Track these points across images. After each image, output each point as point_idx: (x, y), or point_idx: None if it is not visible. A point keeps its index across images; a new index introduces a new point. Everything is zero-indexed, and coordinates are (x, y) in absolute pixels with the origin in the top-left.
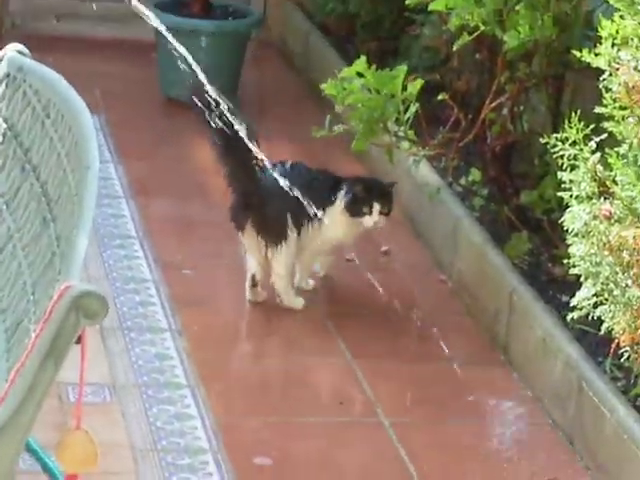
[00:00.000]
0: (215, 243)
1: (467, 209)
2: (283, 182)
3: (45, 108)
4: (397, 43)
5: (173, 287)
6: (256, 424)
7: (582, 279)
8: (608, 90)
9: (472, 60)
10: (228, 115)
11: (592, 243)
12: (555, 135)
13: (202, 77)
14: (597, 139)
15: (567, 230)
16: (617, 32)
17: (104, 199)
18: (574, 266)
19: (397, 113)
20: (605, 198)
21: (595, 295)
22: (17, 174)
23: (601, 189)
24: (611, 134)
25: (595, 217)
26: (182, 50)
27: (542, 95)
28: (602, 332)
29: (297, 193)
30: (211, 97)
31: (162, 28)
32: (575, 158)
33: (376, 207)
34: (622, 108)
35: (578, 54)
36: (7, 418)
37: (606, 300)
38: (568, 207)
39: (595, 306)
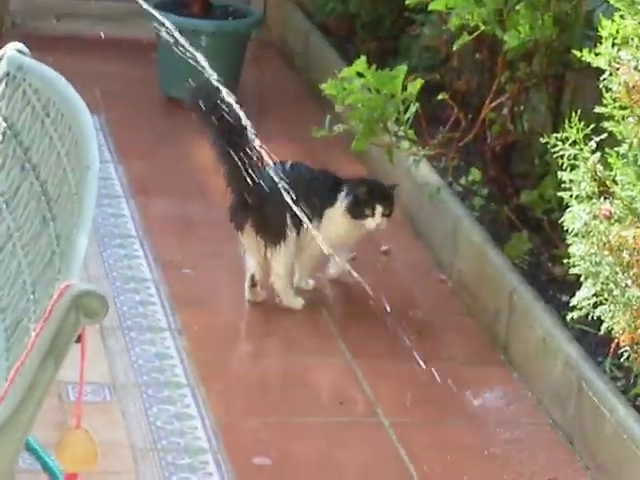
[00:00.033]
0: (215, 243)
1: (467, 209)
2: (282, 183)
3: (45, 107)
4: (397, 43)
5: (173, 286)
6: (256, 424)
7: (582, 279)
8: (608, 90)
9: (472, 60)
10: (228, 115)
11: (592, 243)
12: (555, 135)
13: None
14: (597, 139)
15: (567, 230)
16: (617, 32)
17: (104, 199)
18: (574, 266)
19: (397, 113)
20: (605, 198)
21: (595, 295)
22: (17, 173)
23: (601, 189)
24: (611, 134)
25: (595, 217)
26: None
27: (542, 95)
28: (602, 332)
29: (294, 194)
30: (212, 97)
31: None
32: (575, 158)
33: (378, 209)
34: (622, 108)
35: (578, 54)
36: (7, 417)
37: (606, 300)
38: (568, 207)
39: (595, 306)
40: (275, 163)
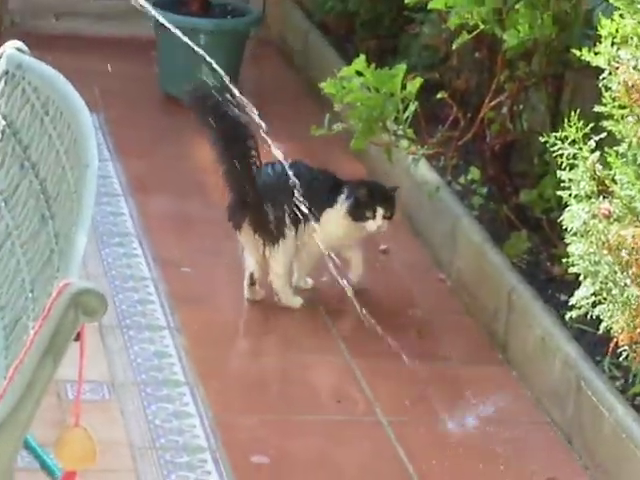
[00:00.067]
0: (214, 241)
1: (466, 208)
2: (280, 182)
3: (44, 105)
4: (396, 42)
5: (172, 285)
6: (254, 422)
7: (581, 278)
8: (607, 89)
9: (471, 59)
10: (227, 115)
11: (591, 242)
12: (554, 134)
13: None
14: (596, 138)
15: (566, 229)
16: (617, 31)
17: (103, 197)
18: (573, 265)
19: (396, 112)
20: (604, 197)
21: (594, 294)
22: (16, 171)
23: (600, 188)
24: (610, 133)
25: (594, 216)
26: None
27: (541, 94)
28: (601, 331)
29: (292, 193)
30: (211, 98)
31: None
32: (574, 157)
33: (379, 212)
34: (621, 107)
35: (578, 53)
36: (5, 415)
37: (605, 299)
38: (567, 206)
39: (594, 305)
40: (274, 162)
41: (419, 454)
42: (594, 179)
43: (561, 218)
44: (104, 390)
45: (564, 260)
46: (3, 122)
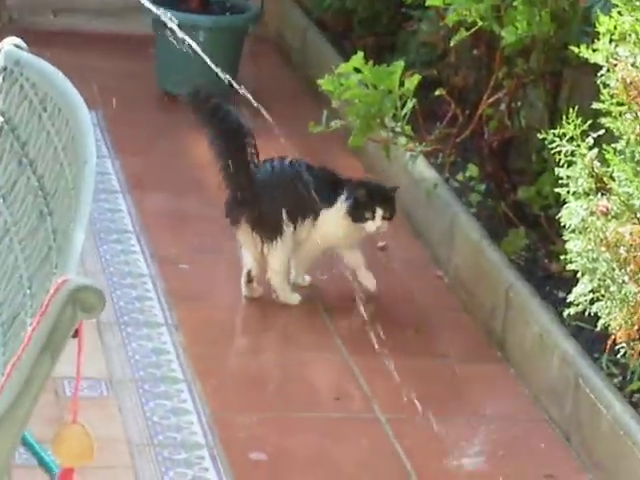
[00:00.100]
0: (212, 238)
1: (464, 205)
2: (278, 180)
3: (42, 102)
4: (394, 39)
5: (170, 282)
6: (252, 419)
7: (579, 275)
8: (606, 86)
9: (469, 56)
10: (226, 115)
11: (589, 239)
12: (552, 131)
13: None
14: (594, 135)
15: (564, 226)
16: (615, 28)
17: (101, 194)
18: (571, 262)
19: (394, 109)
20: (602, 194)
21: (592, 291)
22: (14, 168)
23: (598, 185)
24: (608, 130)
25: (592, 213)
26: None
27: (540, 91)
28: (599, 328)
29: (290, 191)
30: (210, 98)
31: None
32: (572, 154)
33: (379, 212)
34: (620, 104)
35: (576, 50)
36: (3, 412)
37: (603, 296)
38: (565, 203)
39: (592, 302)
40: (273, 159)
41: (417, 451)
42: (592, 176)
43: (559, 215)
44: (102, 387)
45: (562, 257)
46: (1, 118)
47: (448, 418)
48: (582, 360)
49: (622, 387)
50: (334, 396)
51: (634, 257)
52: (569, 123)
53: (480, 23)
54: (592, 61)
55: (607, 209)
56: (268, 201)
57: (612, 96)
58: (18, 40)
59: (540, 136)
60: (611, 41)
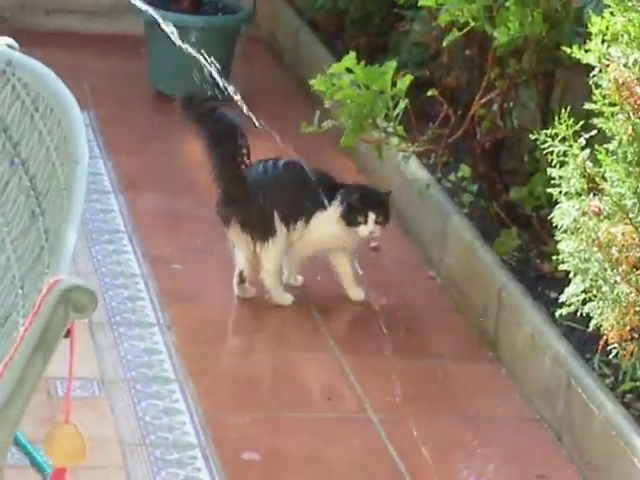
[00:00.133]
0: (204, 238)
1: (456, 205)
2: (270, 181)
3: (34, 102)
4: (387, 39)
5: (162, 282)
6: (244, 419)
7: (571, 275)
8: (598, 86)
9: (462, 56)
10: (217, 111)
11: (581, 239)
12: (545, 131)
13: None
14: (587, 135)
15: (556, 226)
16: (607, 28)
17: (93, 194)
18: (563, 262)
19: (386, 109)
20: (594, 194)
21: (584, 291)
22: (6, 168)
23: (590, 185)
24: (600, 130)
25: (584, 213)
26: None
27: (532, 91)
28: (591, 329)
29: (283, 192)
30: (202, 104)
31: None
32: (565, 154)
33: (371, 216)
34: (612, 104)
35: (568, 50)
36: None
37: (595, 297)
38: (557, 203)
39: (584, 302)
40: (268, 160)
41: (410, 452)
42: (584, 176)
43: (551, 215)
44: (94, 387)
45: (554, 257)
46: None
47: (440, 418)
48: (574, 360)
49: (614, 387)
50: (326, 396)
51: (626, 257)
52: (561, 124)
53: (472, 23)
54: (584, 61)
55: (599, 209)
56: (259, 201)
57: (604, 96)
58: (10, 40)
59: (532, 136)
60: (603, 42)
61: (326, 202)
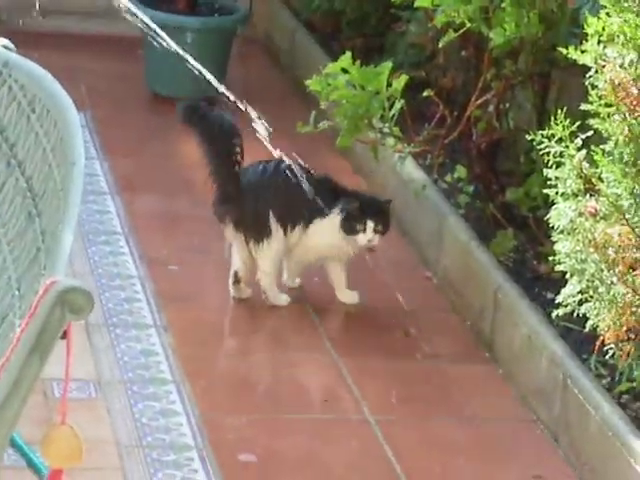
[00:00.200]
0: (201, 239)
1: (452, 206)
2: (267, 183)
3: (31, 103)
4: (383, 40)
5: (159, 283)
6: (241, 421)
7: (567, 276)
8: (594, 87)
9: (458, 57)
10: (212, 112)
11: (577, 240)
12: (541, 132)
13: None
14: (583, 136)
15: (552, 227)
16: (603, 29)
17: (89, 195)
18: (559, 263)
19: (382, 110)
20: (591, 195)
21: (580, 292)
22: (2, 169)
23: (587, 186)
24: (597, 131)
25: (581, 214)
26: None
27: (528, 92)
28: (587, 329)
29: (280, 196)
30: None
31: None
32: (561, 155)
33: (370, 225)
34: (608, 105)
35: (564, 51)
36: None
37: (591, 297)
38: (554, 204)
39: (580, 303)
40: (269, 161)
41: (406, 453)
42: (580, 177)
43: (547, 216)
44: (91, 388)
45: (550, 258)
46: None
47: (437, 419)
48: (570, 361)
49: (610, 388)
50: (323, 398)
51: (622, 258)
52: (557, 124)
53: (468, 24)
54: (580, 62)
55: (595, 210)
56: (254, 201)
57: (600, 97)
58: (7, 41)
59: (528, 137)
60: (599, 42)
61: (327, 209)
